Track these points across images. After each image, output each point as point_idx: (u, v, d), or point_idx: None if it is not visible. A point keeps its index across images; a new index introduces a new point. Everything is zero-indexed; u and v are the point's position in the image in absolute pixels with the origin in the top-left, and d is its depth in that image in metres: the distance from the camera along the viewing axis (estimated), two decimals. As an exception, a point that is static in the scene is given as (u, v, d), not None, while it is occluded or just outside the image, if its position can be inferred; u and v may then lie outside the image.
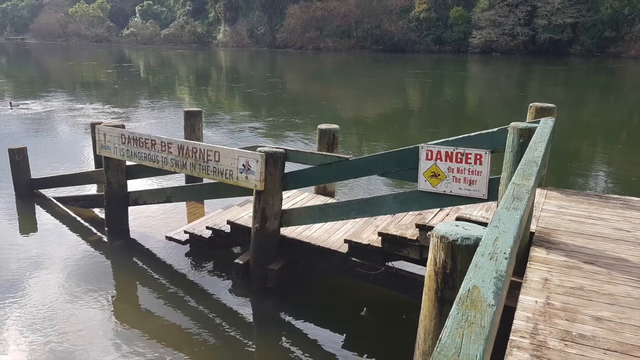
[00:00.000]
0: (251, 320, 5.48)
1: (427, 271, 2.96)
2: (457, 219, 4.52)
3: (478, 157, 4.46)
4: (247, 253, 6.09)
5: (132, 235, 7.44)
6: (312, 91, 27.56)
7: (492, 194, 4.47)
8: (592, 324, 2.69)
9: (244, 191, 5.99)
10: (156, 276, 6.31)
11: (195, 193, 7.44)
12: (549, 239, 3.86)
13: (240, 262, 6.00)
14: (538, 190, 4.95)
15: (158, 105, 21.01)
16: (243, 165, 5.64)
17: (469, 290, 1.35)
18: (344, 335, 5.12)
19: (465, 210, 4.83)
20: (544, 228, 4.08)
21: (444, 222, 2.96)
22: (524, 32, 57.48)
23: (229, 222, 6.32)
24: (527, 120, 4.75)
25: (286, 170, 5.70)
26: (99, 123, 7.44)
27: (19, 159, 8.76)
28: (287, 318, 5.42)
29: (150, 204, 7.51)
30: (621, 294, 3.04)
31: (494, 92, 28.12)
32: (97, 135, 7.09)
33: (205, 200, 8.67)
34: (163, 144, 6.37)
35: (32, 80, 31.40)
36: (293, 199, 6.86)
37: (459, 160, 4.55)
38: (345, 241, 5.48)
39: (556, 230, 4.05)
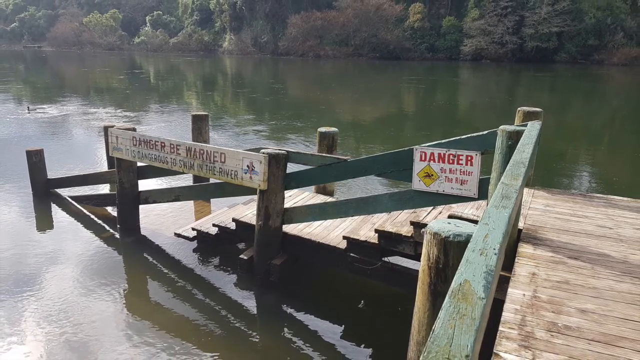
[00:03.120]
0: (255, 312, 5.48)
1: (421, 266, 2.96)
2: (450, 216, 4.52)
3: (469, 158, 4.46)
4: (251, 249, 6.09)
5: (142, 232, 7.43)
6: (312, 96, 27.54)
7: (482, 193, 4.47)
8: (577, 316, 2.68)
9: (248, 190, 5.99)
10: (165, 271, 6.30)
11: (202, 192, 7.44)
12: (536, 236, 3.86)
13: (245, 258, 6.01)
14: (526, 190, 4.95)
15: (167, 110, 20.99)
16: (247, 166, 5.64)
17: (460, 284, 1.34)
18: (343, 326, 5.12)
19: (457, 208, 4.82)
20: (531, 225, 4.08)
21: (437, 220, 2.96)
22: (512, 41, 57.49)
23: (234, 220, 6.32)
24: (515, 124, 4.74)
25: (288, 171, 5.69)
26: (112, 126, 7.43)
27: (36, 160, 8.76)
28: (289, 310, 5.42)
29: (160, 202, 7.51)
30: (604, 287, 3.03)
31: (484, 97, 28.11)
32: (110, 138, 7.09)
33: (211, 199, 8.68)
34: (172, 146, 6.37)
35: (48, 86, 31.39)
36: (294, 197, 6.86)
37: (451, 161, 4.54)
38: (344, 238, 5.48)
39: (543, 227, 4.05)
